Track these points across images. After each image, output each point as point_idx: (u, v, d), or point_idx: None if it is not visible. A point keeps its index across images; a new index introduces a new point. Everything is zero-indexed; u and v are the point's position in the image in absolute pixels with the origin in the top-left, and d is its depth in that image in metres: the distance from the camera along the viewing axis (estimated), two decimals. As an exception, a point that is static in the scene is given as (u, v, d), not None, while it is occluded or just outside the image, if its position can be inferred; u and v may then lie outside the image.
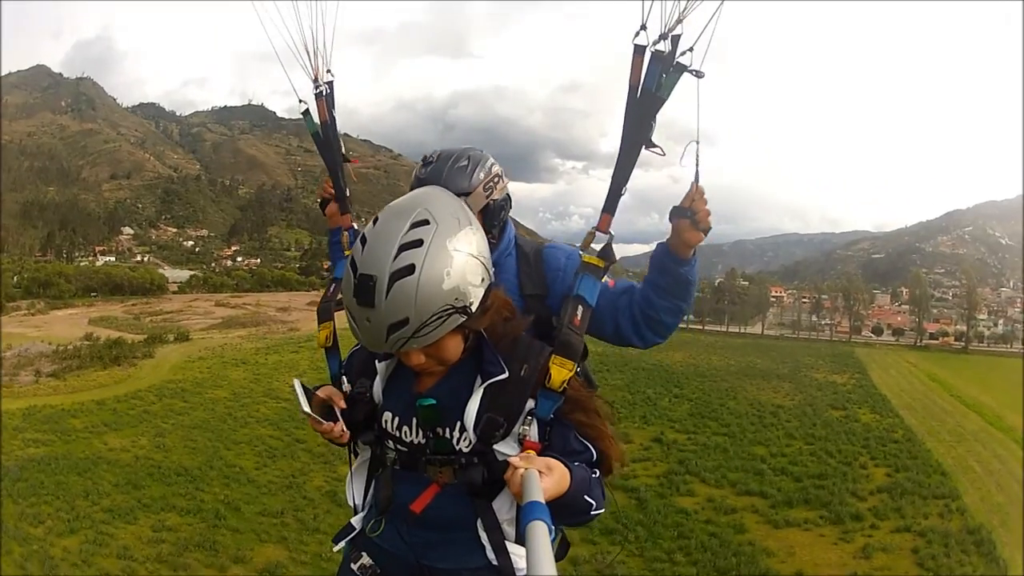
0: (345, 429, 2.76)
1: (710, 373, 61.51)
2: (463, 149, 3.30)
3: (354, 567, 2.75)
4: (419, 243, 2.31)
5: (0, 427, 19.45)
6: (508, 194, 3.37)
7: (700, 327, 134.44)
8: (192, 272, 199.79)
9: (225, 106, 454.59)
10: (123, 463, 30.01)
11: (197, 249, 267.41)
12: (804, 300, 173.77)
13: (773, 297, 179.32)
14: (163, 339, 77.28)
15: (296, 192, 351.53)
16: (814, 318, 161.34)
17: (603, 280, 2.88)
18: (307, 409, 2.70)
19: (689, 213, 2.82)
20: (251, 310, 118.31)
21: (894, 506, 25.76)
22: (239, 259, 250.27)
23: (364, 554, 2.76)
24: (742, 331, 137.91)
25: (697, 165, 2.80)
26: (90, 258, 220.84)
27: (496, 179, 3.26)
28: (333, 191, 3.72)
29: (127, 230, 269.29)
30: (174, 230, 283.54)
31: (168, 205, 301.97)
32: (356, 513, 2.88)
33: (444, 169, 3.16)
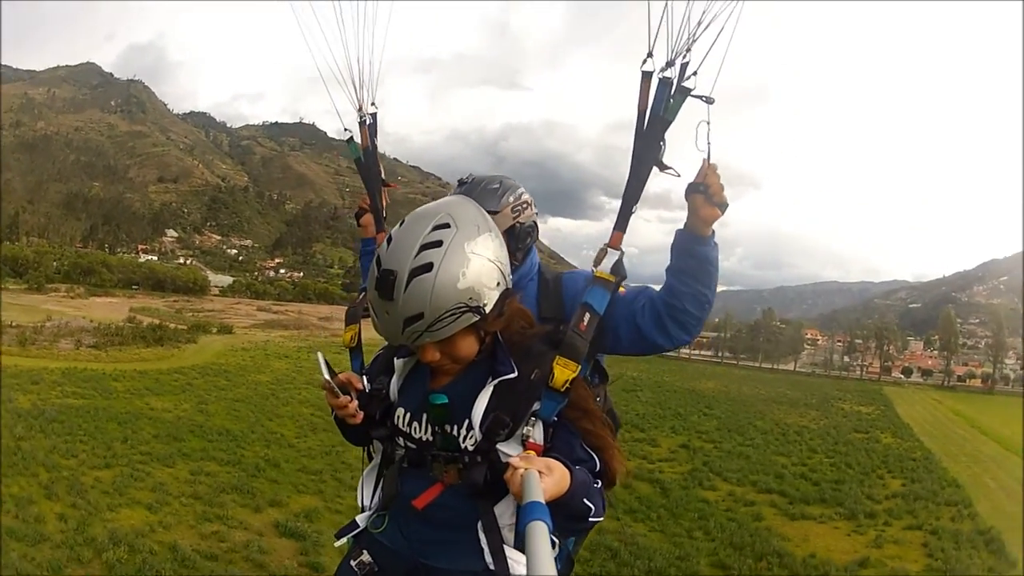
0: (359, 410, 2.87)
1: (740, 399, 61.91)
2: (497, 175, 3.49)
3: (353, 564, 2.87)
4: (439, 244, 2.45)
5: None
6: (535, 223, 3.53)
7: (734, 362, 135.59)
8: (235, 278, 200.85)
9: (276, 122, 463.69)
10: (164, 420, 30.37)
11: (240, 258, 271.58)
12: (839, 343, 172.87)
13: (807, 341, 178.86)
14: (206, 329, 77.80)
15: (343, 211, 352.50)
16: (846, 359, 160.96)
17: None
18: (328, 377, 2.84)
19: (703, 188, 2.88)
20: (293, 316, 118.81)
21: (907, 508, 26.22)
22: (282, 271, 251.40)
23: (365, 552, 2.87)
24: (775, 367, 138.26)
25: (708, 144, 2.86)
26: (132, 255, 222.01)
27: (525, 205, 3.45)
28: (368, 207, 4.04)
29: (171, 232, 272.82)
30: (218, 237, 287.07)
31: (214, 212, 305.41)
32: (363, 513, 2.98)
33: (476, 189, 3.37)
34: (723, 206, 2.91)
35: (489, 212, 3.02)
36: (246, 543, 16.27)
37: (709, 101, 2.78)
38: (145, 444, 25.11)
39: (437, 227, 2.48)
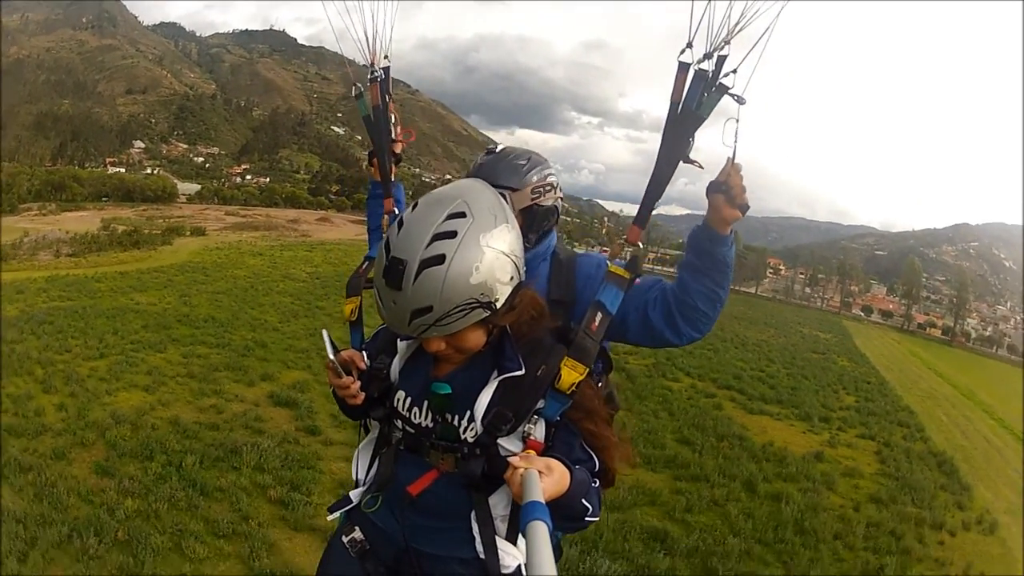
0: (360, 391, 2.82)
1: (701, 312, 63.15)
2: (527, 150, 3.43)
3: (344, 540, 2.89)
4: (453, 234, 2.37)
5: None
6: (557, 206, 3.46)
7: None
8: (202, 185, 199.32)
9: (246, 30, 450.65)
10: (151, 312, 30.75)
11: (207, 165, 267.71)
12: (801, 274, 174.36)
13: (770, 268, 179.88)
14: (180, 232, 78.06)
15: (310, 117, 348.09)
16: (807, 290, 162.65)
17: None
18: (332, 356, 2.79)
19: (724, 188, 2.85)
20: (262, 219, 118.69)
21: (861, 420, 27.00)
22: (248, 177, 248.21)
23: (357, 528, 2.89)
24: (736, 289, 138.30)
25: (736, 142, 2.82)
26: (100, 168, 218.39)
27: (548, 187, 3.37)
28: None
29: (138, 143, 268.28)
30: (185, 146, 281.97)
31: (181, 122, 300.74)
32: (357, 487, 2.95)
33: (501, 162, 3.34)
34: (744, 207, 2.91)
35: (510, 188, 3.24)
36: (243, 413, 16.92)
37: (741, 102, 2.76)
38: (135, 334, 25.61)
39: (452, 216, 2.42)
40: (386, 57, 3.77)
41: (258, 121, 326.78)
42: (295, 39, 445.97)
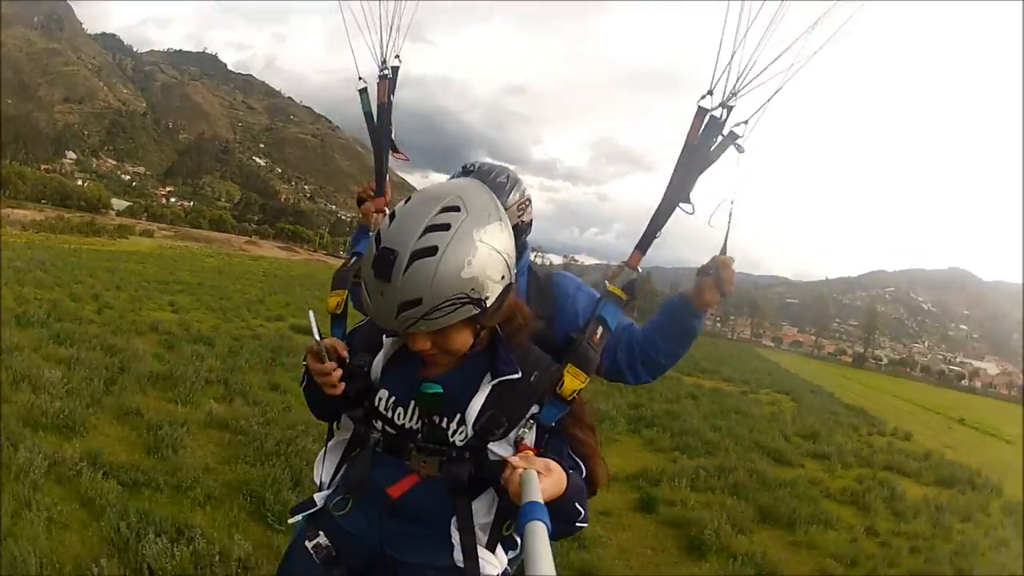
0: (340, 380, 2.50)
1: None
2: (501, 167, 3.38)
3: (308, 545, 2.63)
4: (446, 227, 2.15)
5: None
6: (531, 219, 3.45)
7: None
8: (131, 202, 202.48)
9: (180, 50, 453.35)
10: (144, 274, 31.87)
11: (134, 184, 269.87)
12: (711, 314, 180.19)
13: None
14: (131, 231, 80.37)
15: (234, 146, 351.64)
16: (718, 325, 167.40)
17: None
18: (318, 338, 2.47)
19: (716, 277, 2.91)
20: (197, 234, 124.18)
21: (773, 383, 32.73)
22: (173, 200, 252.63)
23: (321, 533, 2.63)
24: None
25: (728, 229, 2.83)
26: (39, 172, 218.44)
27: (527, 203, 3.38)
28: (373, 191, 3.73)
29: (71, 154, 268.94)
30: (114, 163, 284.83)
31: (112, 137, 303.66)
32: (320, 491, 2.70)
33: (484, 180, 3.04)
34: (726, 295, 3.01)
35: None
36: (278, 333, 18.19)
37: (740, 150, 2.73)
38: (138, 284, 26.71)
39: (446, 209, 2.18)
40: (397, 56, 3.60)
41: (184, 144, 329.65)
42: (225, 64, 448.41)
